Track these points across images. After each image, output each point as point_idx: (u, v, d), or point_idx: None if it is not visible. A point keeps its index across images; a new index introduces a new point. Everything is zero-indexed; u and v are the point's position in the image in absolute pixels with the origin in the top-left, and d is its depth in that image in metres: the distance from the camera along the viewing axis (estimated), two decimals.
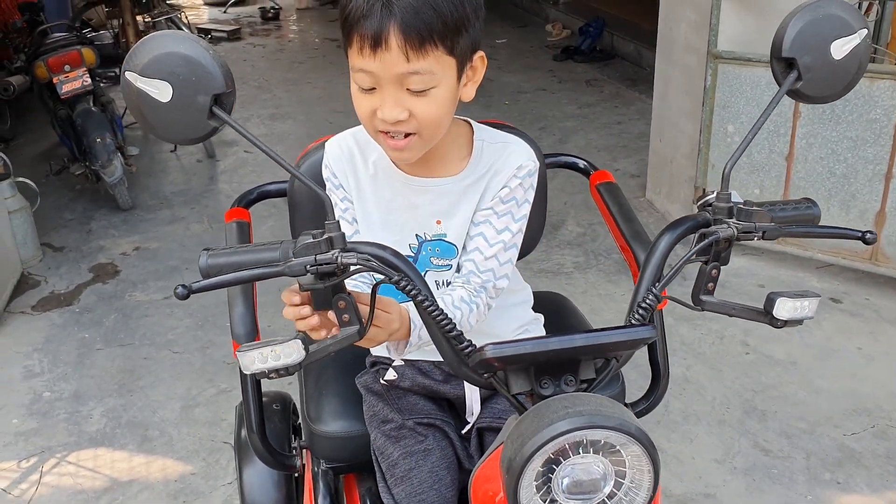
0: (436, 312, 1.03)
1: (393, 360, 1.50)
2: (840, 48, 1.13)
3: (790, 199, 1.14)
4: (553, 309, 1.75)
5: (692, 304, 1.13)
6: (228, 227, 1.74)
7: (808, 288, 2.91)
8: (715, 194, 1.11)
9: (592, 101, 6.03)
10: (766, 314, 1.09)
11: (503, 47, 7.65)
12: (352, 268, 1.01)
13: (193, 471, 2.62)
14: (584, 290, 3.55)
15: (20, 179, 3.97)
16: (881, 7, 3.52)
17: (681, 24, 3.83)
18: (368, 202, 1.40)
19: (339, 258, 0.99)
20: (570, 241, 4.00)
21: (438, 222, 1.38)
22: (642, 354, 1.47)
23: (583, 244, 3.97)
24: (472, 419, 1.48)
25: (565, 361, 1.02)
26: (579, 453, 0.94)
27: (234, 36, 8.39)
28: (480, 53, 1.25)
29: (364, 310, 1.07)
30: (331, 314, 1.05)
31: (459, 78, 1.23)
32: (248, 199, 1.85)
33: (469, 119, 1.41)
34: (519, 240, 1.39)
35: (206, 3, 10.20)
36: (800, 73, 1.13)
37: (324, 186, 1.41)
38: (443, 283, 1.41)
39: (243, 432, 1.95)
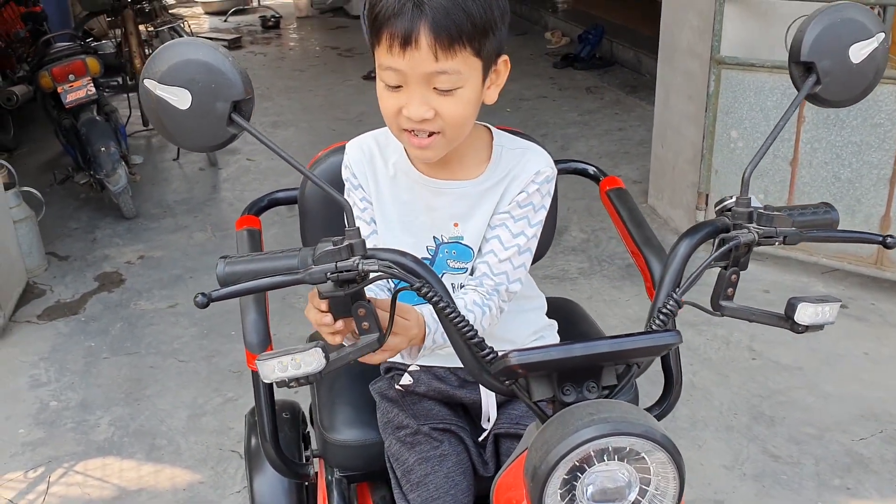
0: (457, 319, 1.03)
1: (408, 366, 1.50)
2: (858, 52, 1.12)
3: (808, 203, 1.13)
4: (564, 315, 1.75)
5: (711, 309, 1.13)
6: (239, 234, 1.72)
7: (814, 293, 2.90)
8: (734, 199, 1.11)
9: (593, 108, 6.04)
10: (786, 319, 1.09)
11: None
12: (372, 275, 1.00)
13: (202, 480, 2.61)
14: (589, 296, 3.54)
15: (25, 189, 3.97)
16: (882, 12, 3.53)
17: (683, 29, 3.83)
18: (387, 203, 1.40)
19: (360, 265, 0.99)
20: (575, 248, 4.00)
21: (456, 225, 1.39)
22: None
23: (586, 250, 3.97)
24: (488, 425, 1.47)
25: (588, 368, 1.01)
26: (604, 461, 0.93)
27: (234, 44, 8.40)
28: (504, 57, 1.26)
29: (383, 316, 1.06)
30: (350, 321, 1.05)
31: (484, 80, 1.24)
32: (259, 207, 1.83)
33: (489, 124, 1.42)
34: (533, 245, 1.39)
35: (206, 13, 10.22)
36: (818, 78, 1.13)
37: (341, 190, 1.41)
38: (458, 287, 1.41)
39: (254, 441, 1.94)
